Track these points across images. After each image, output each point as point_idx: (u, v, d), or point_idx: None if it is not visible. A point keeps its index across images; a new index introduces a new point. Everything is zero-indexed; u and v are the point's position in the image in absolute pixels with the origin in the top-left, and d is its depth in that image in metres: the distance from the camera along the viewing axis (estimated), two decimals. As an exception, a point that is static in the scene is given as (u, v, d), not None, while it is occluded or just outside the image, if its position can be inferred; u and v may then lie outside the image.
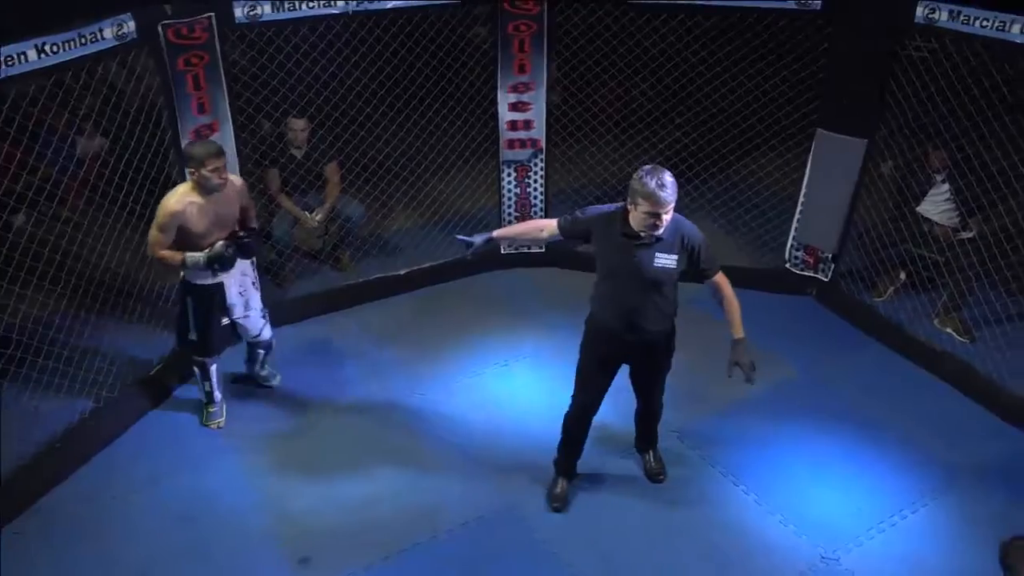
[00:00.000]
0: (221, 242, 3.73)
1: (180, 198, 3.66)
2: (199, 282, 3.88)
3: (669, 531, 3.63)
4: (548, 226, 3.45)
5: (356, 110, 5.09)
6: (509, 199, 5.48)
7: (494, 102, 5.17)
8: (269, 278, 5.03)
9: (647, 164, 3.17)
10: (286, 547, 3.50)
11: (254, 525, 3.62)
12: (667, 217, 3.10)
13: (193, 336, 3.99)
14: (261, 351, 4.34)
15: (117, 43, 3.68)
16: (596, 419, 3.68)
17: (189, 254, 3.71)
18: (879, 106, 4.67)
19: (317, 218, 5.22)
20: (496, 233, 3.58)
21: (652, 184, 3.03)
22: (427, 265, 5.48)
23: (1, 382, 3.99)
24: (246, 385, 4.47)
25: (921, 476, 3.93)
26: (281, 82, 4.67)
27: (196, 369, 4.14)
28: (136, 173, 4.13)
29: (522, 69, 5.03)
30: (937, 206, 4.99)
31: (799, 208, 5.23)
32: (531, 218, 5.52)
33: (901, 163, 5.02)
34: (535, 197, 5.48)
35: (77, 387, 4.03)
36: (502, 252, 5.63)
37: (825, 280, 5.31)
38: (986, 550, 3.46)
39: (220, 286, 3.92)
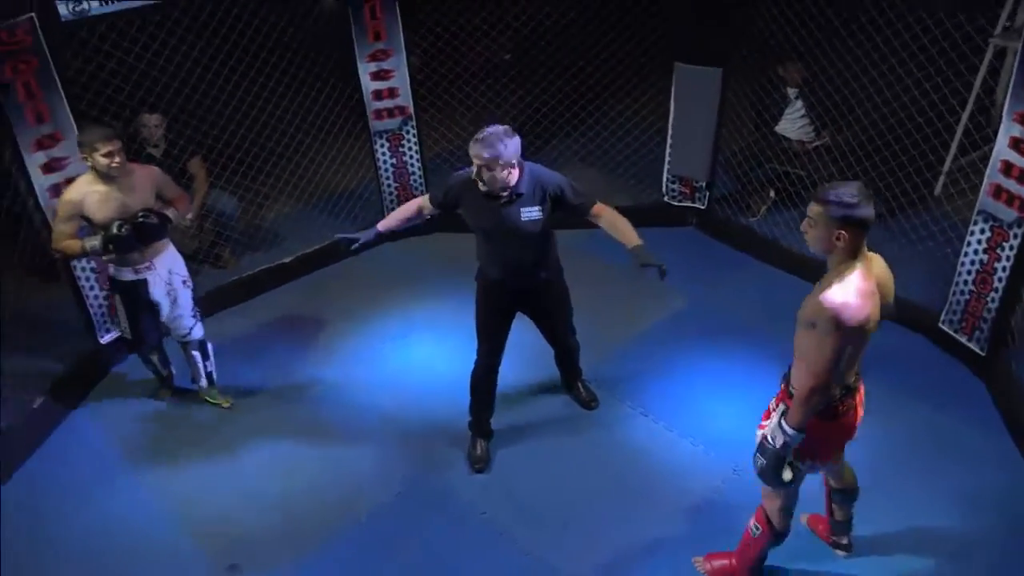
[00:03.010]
0: (117, 221, 3.55)
1: (79, 187, 3.57)
2: (121, 278, 3.79)
3: (588, 472, 3.74)
4: (422, 203, 3.55)
5: (211, 99, 4.84)
6: (386, 170, 5.39)
7: (355, 73, 5.03)
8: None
9: (516, 120, 3.20)
10: (212, 558, 3.41)
11: (173, 542, 3.50)
12: (502, 173, 3.15)
13: (126, 332, 3.95)
14: (195, 354, 4.12)
15: (-70, 58, 3.37)
16: (500, 376, 3.73)
17: (88, 239, 3.58)
18: (729, 34, 4.83)
19: (188, 217, 4.96)
20: (380, 226, 3.58)
21: (474, 139, 3.15)
22: (312, 250, 5.35)
23: None
24: (140, 399, 4.27)
25: (811, 379, 4.18)
26: (124, 79, 4.38)
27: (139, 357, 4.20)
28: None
29: (378, 36, 4.91)
30: (794, 123, 5.24)
31: (669, 142, 5.37)
32: (409, 188, 5.47)
33: (757, 87, 5.23)
34: (411, 165, 5.41)
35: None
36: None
37: (703, 208, 5.51)
38: (872, 433, 3.77)
39: (144, 282, 3.80)
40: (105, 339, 4.46)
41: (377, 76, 5.05)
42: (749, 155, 5.35)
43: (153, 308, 3.89)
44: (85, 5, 3.88)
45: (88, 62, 4.30)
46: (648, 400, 4.11)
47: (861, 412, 2.82)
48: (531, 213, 3.28)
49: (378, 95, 5.11)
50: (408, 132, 5.28)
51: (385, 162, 5.37)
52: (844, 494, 3.15)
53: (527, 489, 3.67)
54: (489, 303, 3.59)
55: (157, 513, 3.64)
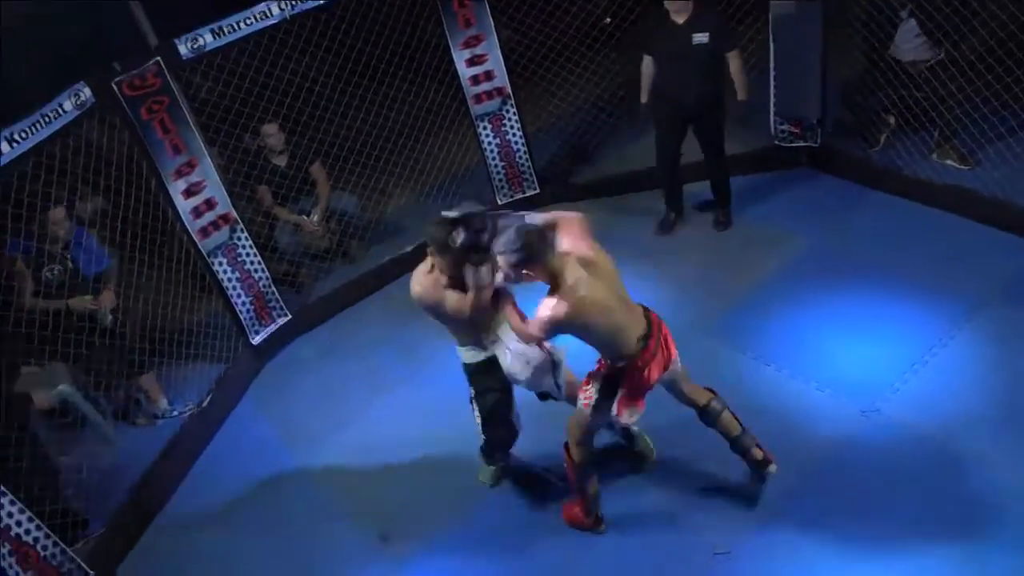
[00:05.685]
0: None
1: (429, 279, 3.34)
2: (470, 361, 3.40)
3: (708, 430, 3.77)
4: (647, 60, 4.67)
5: (322, 108, 5.17)
6: (491, 151, 5.55)
7: (452, 62, 5.21)
8: (285, 287, 5.21)
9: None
10: (366, 529, 3.77)
11: (334, 516, 3.88)
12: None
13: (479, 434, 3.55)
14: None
15: (79, 112, 3.83)
16: None
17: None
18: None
19: (315, 219, 5.38)
20: (645, 97, 4.82)
21: None
22: (431, 236, 5.61)
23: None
24: (292, 393, 4.70)
25: (945, 308, 4.01)
26: (243, 103, 4.76)
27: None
28: (135, 225, 4.30)
29: (468, 23, 5.05)
30: (910, 43, 4.93)
31: (772, 83, 5.21)
32: (516, 165, 5.61)
33: (861, 13, 4.96)
34: (515, 143, 5.54)
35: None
36: (499, 202, 5.74)
37: (816, 146, 5.31)
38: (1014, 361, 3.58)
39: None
40: (256, 340, 4.91)
41: (472, 62, 5.20)
42: (862, 85, 5.10)
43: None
44: (201, 41, 4.26)
45: (211, 92, 4.70)
46: (769, 349, 4.08)
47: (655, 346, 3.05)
48: (701, 38, 4.40)
49: (475, 80, 5.26)
50: (508, 112, 5.41)
51: (490, 143, 5.53)
52: (703, 411, 3.34)
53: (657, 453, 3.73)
54: (660, 114, 4.77)
55: (315, 494, 4.03)
